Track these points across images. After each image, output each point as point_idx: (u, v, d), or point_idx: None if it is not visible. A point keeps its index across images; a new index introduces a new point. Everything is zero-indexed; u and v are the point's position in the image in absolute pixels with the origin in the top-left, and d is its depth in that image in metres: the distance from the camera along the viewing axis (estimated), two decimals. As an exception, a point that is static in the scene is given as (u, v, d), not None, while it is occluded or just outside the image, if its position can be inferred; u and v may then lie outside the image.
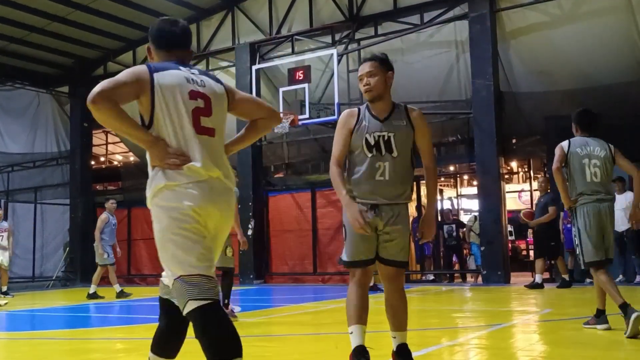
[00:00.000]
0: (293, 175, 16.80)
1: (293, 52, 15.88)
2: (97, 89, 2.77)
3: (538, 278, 11.67)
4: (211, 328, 2.75)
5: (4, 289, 13.59)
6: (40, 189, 20.05)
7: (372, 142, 3.95)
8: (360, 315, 3.92)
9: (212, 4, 16.69)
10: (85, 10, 15.69)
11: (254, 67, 15.55)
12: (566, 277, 11.49)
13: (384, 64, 4.05)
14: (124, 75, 2.89)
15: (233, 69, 16.70)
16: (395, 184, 3.95)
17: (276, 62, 15.92)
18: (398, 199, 3.97)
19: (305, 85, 13.73)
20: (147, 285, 17.01)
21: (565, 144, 6.04)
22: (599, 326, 5.91)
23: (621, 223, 11.99)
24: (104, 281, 12.69)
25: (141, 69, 2.94)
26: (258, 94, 15.44)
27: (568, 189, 5.97)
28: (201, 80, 3.05)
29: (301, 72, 13.90)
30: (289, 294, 10.71)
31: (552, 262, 12.77)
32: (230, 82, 16.63)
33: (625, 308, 5.49)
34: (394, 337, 4.03)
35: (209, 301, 2.78)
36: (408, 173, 4.01)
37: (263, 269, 15.92)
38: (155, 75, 2.93)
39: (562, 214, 12.13)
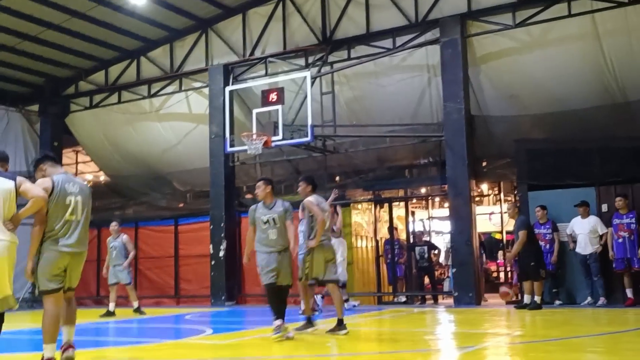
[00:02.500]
0: (266, 196, 16.68)
1: (267, 74, 15.93)
2: None
3: (526, 298, 11.69)
4: None
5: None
6: (9, 209, 19.63)
7: None
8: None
9: (186, 25, 16.67)
10: (57, 29, 15.54)
11: (228, 89, 15.55)
12: (538, 299, 11.49)
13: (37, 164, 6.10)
14: None
15: (206, 90, 16.67)
16: None
17: (250, 83, 15.94)
18: None
19: (279, 106, 13.76)
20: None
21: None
22: (341, 332, 7.75)
23: (585, 246, 12.12)
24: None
25: None
26: (232, 115, 15.42)
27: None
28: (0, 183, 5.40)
29: (275, 93, 13.92)
30: (262, 316, 10.58)
31: (518, 284, 12.92)
32: (204, 103, 16.72)
33: (311, 320, 8.17)
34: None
35: None
36: None
37: (235, 291, 15.78)
38: None
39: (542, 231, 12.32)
